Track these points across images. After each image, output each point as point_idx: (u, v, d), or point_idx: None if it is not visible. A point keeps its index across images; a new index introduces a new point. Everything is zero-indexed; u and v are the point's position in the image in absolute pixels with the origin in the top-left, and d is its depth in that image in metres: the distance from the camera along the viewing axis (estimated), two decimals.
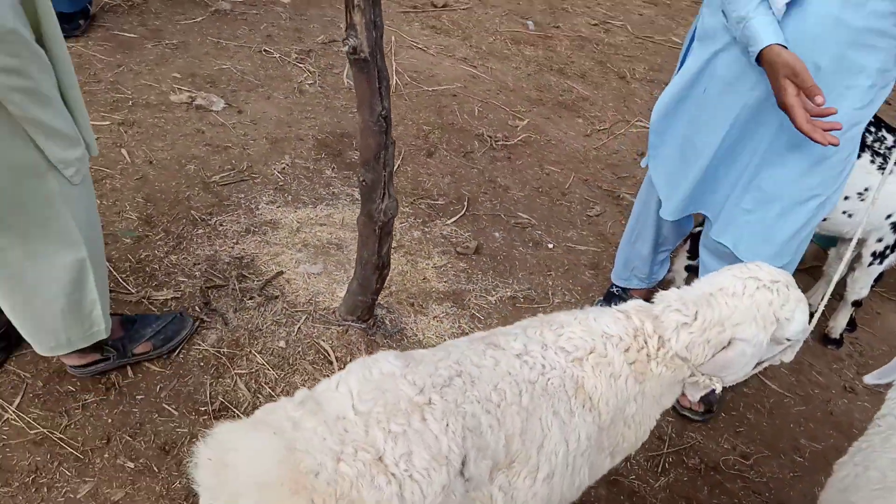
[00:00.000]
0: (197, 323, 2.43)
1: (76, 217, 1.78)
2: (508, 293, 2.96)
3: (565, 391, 1.42)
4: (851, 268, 3.00)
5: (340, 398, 1.22)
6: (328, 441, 1.15)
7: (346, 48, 1.68)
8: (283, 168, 3.30)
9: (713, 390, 2.37)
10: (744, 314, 1.50)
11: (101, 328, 2.02)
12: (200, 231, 2.84)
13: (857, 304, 3.06)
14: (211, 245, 2.79)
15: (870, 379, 1.83)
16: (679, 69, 2.34)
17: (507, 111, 4.27)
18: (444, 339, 2.66)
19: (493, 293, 2.95)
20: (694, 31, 2.26)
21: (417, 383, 1.26)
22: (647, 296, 2.20)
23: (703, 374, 1.55)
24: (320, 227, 3.03)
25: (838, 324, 3.12)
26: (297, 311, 2.60)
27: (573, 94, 4.68)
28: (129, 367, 2.25)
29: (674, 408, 2.60)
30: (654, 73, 5.13)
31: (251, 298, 2.60)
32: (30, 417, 2.06)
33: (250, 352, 2.42)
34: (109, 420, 2.11)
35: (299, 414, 1.19)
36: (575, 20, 5.68)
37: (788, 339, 1.57)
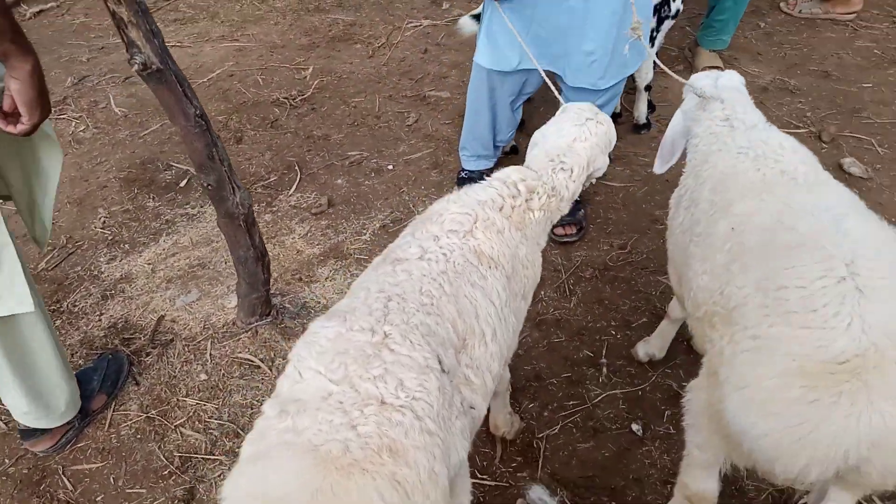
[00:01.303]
0: (127, 359, 2.46)
1: None
2: (377, 225, 3.06)
3: (471, 263, 1.56)
4: None
5: (313, 381, 1.25)
6: (334, 420, 1.19)
7: (134, 68, 1.62)
8: (104, 222, 3.13)
9: (580, 211, 2.62)
10: (597, 150, 1.84)
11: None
12: (58, 322, 2.68)
13: (648, 88, 3.43)
14: (77, 329, 2.65)
15: (657, 169, 2.16)
16: None
17: (289, 67, 4.22)
18: (343, 294, 2.73)
19: (364, 232, 3.04)
20: None
21: (364, 327, 1.33)
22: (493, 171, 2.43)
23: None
24: (173, 257, 2.94)
25: (641, 110, 3.50)
26: (199, 342, 2.56)
27: (340, 26, 4.68)
28: (66, 481, 2.16)
29: (554, 241, 2.88)
30: None
31: (147, 355, 2.53)
32: None
33: (178, 399, 2.38)
34: None
35: (289, 421, 1.20)
36: None
37: None
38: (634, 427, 2.25)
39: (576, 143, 1.80)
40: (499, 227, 1.66)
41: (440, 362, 1.35)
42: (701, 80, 1.98)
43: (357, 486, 1.12)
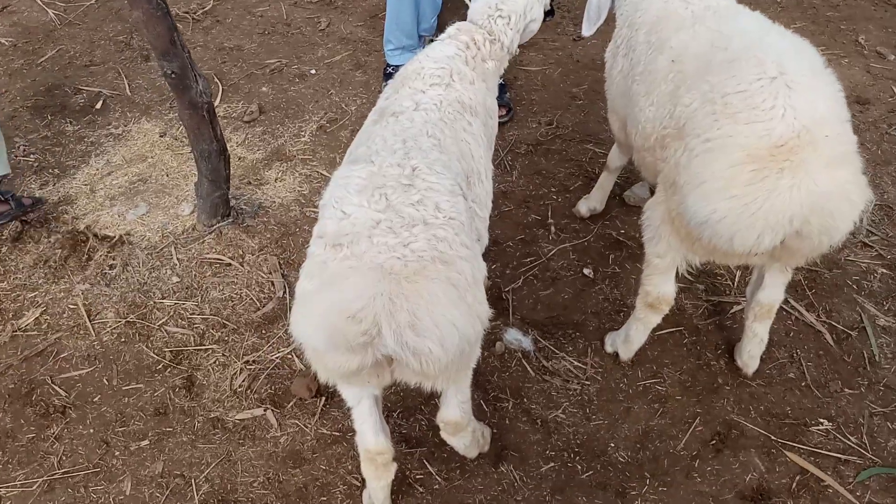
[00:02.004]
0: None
1: None
2: (314, 126, 3.12)
3: (458, 112, 1.73)
4: None
5: (359, 214, 1.37)
6: (388, 241, 1.32)
7: None
8: (24, 150, 2.97)
9: (506, 94, 2.83)
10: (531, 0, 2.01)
11: None
12: (4, 249, 2.58)
13: None
14: (27, 254, 2.57)
15: (586, 31, 2.37)
16: None
17: None
18: (296, 192, 2.81)
19: (302, 134, 3.09)
20: None
21: (393, 163, 1.46)
22: None
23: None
24: (109, 176, 2.88)
25: None
26: (161, 250, 2.57)
27: None
28: (57, 388, 2.17)
29: None
30: None
31: (111, 268, 2.52)
32: None
33: (154, 302, 2.41)
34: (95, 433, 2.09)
35: (346, 250, 1.33)
36: None
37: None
38: (586, 271, 2.54)
39: None
40: (470, 78, 1.83)
41: (461, 189, 1.52)
42: None
43: (425, 289, 1.29)
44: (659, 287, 1.98)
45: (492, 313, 2.36)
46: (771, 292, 1.94)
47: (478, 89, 1.84)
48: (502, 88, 3.17)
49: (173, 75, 1.98)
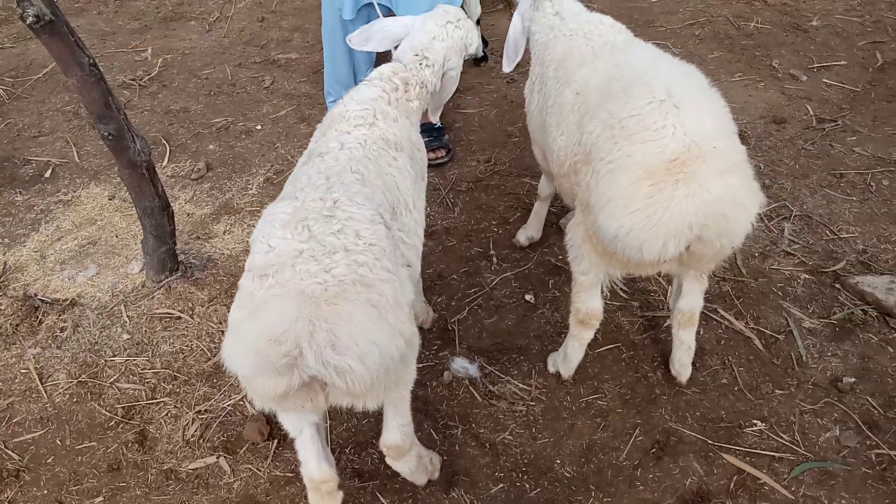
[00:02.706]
0: None
1: None
2: (261, 179, 3.22)
3: (383, 149, 1.83)
4: None
5: (283, 246, 1.45)
6: (311, 268, 1.40)
7: (28, 20, 1.69)
8: None
9: (445, 137, 2.98)
10: (452, 52, 2.15)
11: None
12: None
13: (478, 22, 3.83)
14: None
15: (506, 68, 2.54)
16: None
17: (127, 51, 4.18)
18: (245, 243, 2.89)
19: (250, 187, 3.18)
20: None
21: (316, 198, 1.55)
22: None
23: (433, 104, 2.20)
24: (59, 241, 2.93)
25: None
26: (111, 309, 2.62)
27: (168, 6, 4.67)
28: (11, 453, 2.18)
29: (429, 165, 3.20)
30: None
31: (62, 330, 2.55)
32: None
33: (105, 361, 2.44)
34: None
35: (272, 279, 1.40)
36: None
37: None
38: (528, 297, 2.64)
39: (435, 41, 2.11)
40: (393, 116, 1.95)
41: (382, 218, 1.61)
42: None
43: (344, 310, 1.36)
44: (587, 303, 2.08)
45: (439, 343, 2.50)
46: (690, 299, 2.05)
47: (401, 126, 1.96)
48: (441, 131, 3.32)
49: (110, 137, 2.07)
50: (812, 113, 3.40)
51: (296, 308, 1.34)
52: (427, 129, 3.30)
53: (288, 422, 1.70)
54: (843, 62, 3.75)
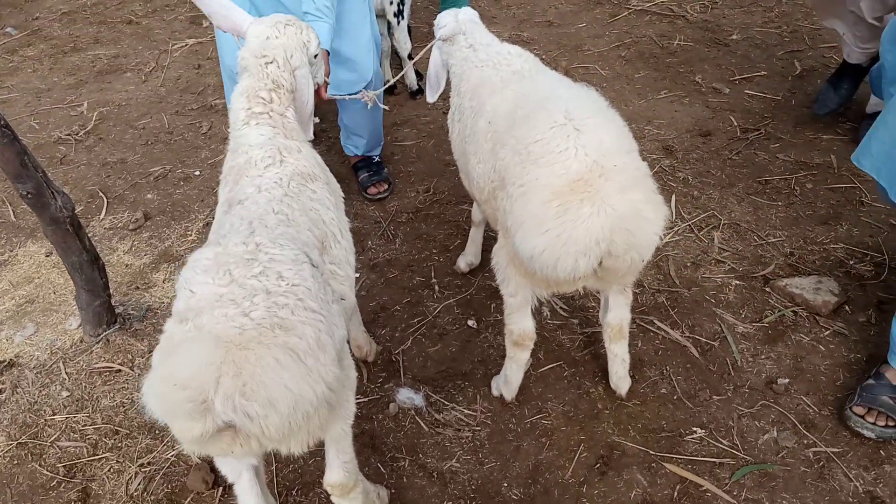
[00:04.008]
0: None
1: None
2: (200, 224, 3.21)
3: (302, 184, 1.83)
4: (390, 34, 3.79)
5: (204, 290, 1.44)
6: (229, 312, 1.38)
7: None
8: None
9: (385, 170, 2.98)
10: (292, 47, 2.07)
11: None
12: None
13: (410, 56, 3.91)
14: None
15: (430, 98, 2.59)
16: None
17: (62, 106, 4.16)
18: None
19: (189, 233, 3.17)
20: None
21: (238, 242, 1.54)
22: None
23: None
24: None
25: (411, 78, 3.97)
26: (50, 367, 2.58)
27: (104, 60, 4.67)
28: None
29: (370, 200, 3.25)
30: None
31: (0, 392, 2.50)
32: None
33: (45, 420, 2.39)
34: None
35: (190, 324, 1.39)
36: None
37: (315, 56, 2.18)
38: (470, 323, 2.67)
39: (269, 40, 2.06)
40: (295, 147, 1.93)
41: (309, 258, 1.61)
42: (445, 17, 2.43)
43: (256, 356, 1.34)
44: (518, 324, 2.12)
45: (384, 376, 2.50)
46: (617, 313, 2.11)
47: (306, 154, 1.95)
48: (380, 165, 3.37)
49: (29, 195, 2.06)
50: (736, 124, 3.54)
51: (206, 352, 1.32)
52: (366, 164, 3.35)
53: (225, 467, 1.68)
54: (763, 73, 3.91)
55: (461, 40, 2.32)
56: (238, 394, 1.28)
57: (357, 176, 3.38)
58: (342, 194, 2.09)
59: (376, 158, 3.37)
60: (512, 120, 1.91)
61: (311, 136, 2.20)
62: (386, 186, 3.31)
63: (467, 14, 2.41)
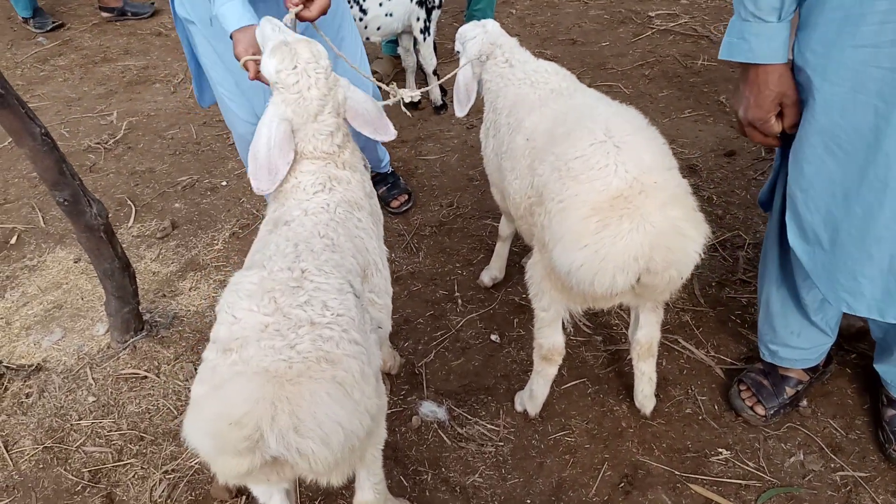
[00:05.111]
0: None
1: None
2: (227, 234, 3.25)
3: (348, 211, 1.82)
4: (416, 50, 3.83)
5: (248, 319, 1.41)
6: (275, 344, 1.36)
7: None
8: None
9: (401, 182, 2.95)
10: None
11: None
12: None
13: (436, 73, 3.94)
14: None
15: (458, 112, 2.53)
16: None
17: (92, 115, 4.23)
18: (211, 298, 2.90)
19: (215, 243, 3.21)
20: None
21: (283, 267, 1.53)
22: None
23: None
24: (25, 307, 2.92)
25: (435, 94, 4.00)
26: (77, 372, 2.60)
27: (133, 71, 4.74)
28: None
29: (393, 213, 3.27)
30: None
31: (28, 396, 2.53)
32: None
33: (71, 425, 2.42)
34: None
35: (235, 355, 1.35)
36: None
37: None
38: (493, 337, 2.67)
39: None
40: (346, 179, 1.89)
41: (352, 287, 1.60)
42: (472, 30, 2.44)
43: (310, 392, 1.32)
44: (549, 338, 2.12)
45: (407, 388, 2.51)
46: (647, 331, 2.10)
47: (355, 185, 1.92)
48: (396, 177, 3.36)
49: (66, 203, 2.10)
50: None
51: (258, 388, 1.30)
52: (381, 178, 3.34)
53: (257, 489, 1.68)
54: None
55: (498, 56, 2.34)
56: (293, 431, 1.27)
57: (376, 191, 3.34)
58: (382, 219, 2.09)
59: (390, 170, 3.38)
60: (551, 137, 1.92)
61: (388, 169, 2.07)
62: (406, 197, 3.32)
63: (496, 27, 2.42)
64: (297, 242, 1.64)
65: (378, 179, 3.36)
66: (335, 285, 1.53)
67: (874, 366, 2.20)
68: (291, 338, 1.38)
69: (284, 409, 1.28)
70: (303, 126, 1.81)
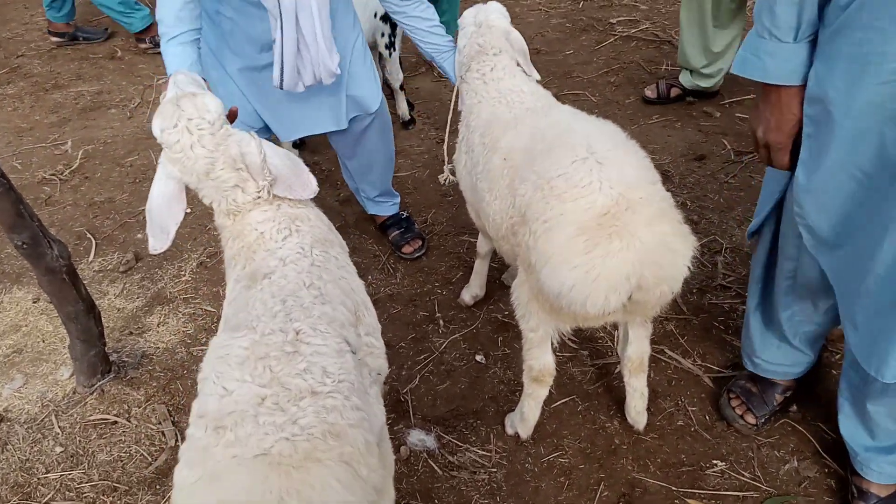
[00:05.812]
0: None
1: None
2: (194, 264, 3.12)
3: (324, 252, 1.71)
4: (382, 66, 3.77)
5: (242, 390, 1.29)
6: (276, 420, 1.25)
7: None
8: None
9: (415, 225, 3.04)
10: None
11: None
12: None
13: (402, 87, 3.88)
14: None
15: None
16: None
17: (45, 145, 4.06)
18: (181, 333, 2.78)
19: (182, 274, 3.08)
20: None
21: (275, 329, 1.41)
22: None
23: None
24: None
25: (403, 109, 3.94)
26: (42, 421, 2.46)
27: (87, 97, 4.58)
28: None
29: (405, 259, 3.08)
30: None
31: None
32: None
33: (38, 479, 2.28)
34: None
35: (230, 434, 1.23)
36: None
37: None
38: (478, 358, 2.61)
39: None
40: (304, 215, 1.76)
41: (349, 343, 1.50)
42: (467, 18, 2.35)
43: (318, 478, 1.22)
44: (539, 359, 2.06)
45: (393, 417, 2.42)
46: (637, 346, 2.06)
47: (314, 220, 1.79)
48: (410, 221, 3.16)
49: (25, 246, 1.98)
50: (729, 147, 3.55)
51: (262, 481, 1.19)
52: (395, 221, 3.15)
53: None
54: (752, 95, 3.94)
55: (483, 62, 2.25)
56: None
57: (387, 234, 3.16)
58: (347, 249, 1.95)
59: (404, 214, 3.21)
60: (530, 155, 1.87)
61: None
62: (420, 243, 3.10)
63: (499, 19, 2.28)
64: (285, 298, 1.51)
65: (391, 223, 3.15)
66: (333, 346, 1.42)
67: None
68: (293, 412, 1.27)
69: (292, 502, 1.18)
70: (198, 184, 1.73)
